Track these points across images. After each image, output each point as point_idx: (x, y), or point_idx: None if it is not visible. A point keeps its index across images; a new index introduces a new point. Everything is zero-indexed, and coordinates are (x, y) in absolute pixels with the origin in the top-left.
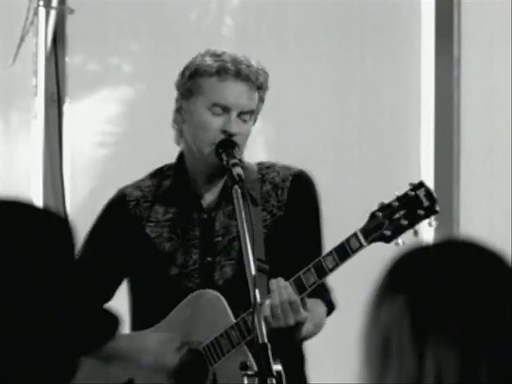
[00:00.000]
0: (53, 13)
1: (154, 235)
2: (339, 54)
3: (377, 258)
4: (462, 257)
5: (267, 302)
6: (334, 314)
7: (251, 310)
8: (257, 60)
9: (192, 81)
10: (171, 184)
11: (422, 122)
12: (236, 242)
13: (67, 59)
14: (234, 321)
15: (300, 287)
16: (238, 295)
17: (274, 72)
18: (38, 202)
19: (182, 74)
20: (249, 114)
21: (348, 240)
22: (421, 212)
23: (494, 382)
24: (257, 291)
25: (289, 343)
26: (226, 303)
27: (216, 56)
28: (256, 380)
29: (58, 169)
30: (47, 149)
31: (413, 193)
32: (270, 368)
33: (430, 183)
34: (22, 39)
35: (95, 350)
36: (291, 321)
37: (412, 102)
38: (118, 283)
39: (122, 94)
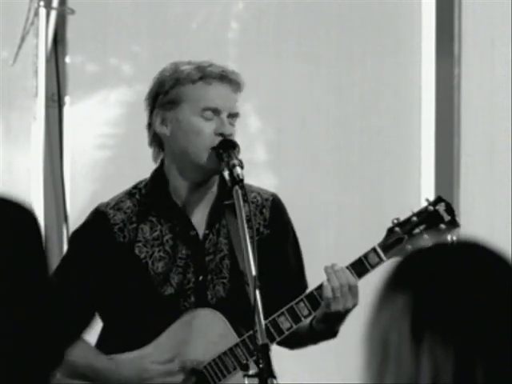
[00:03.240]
0: (53, 13)
1: (143, 255)
2: (339, 55)
3: None
4: (464, 257)
5: (326, 283)
6: None
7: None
8: (259, 61)
9: (174, 91)
10: (154, 201)
11: (422, 123)
12: (226, 260)
13: (67, 60)
14: (235, 335)
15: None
16: (230, 314)
17: (274, 72)
18: (39, 203)
19: (159, 87)
20: (235, 117)
21: (366, 255)
22: (442, 226)
23: (490, 382)
24: (257, 291)
25: (334, 327)
26: (225, 320)
27: (189, 64)
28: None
29: (58, 170)
30: (47, 150)
31: (432, 208)
32: (270, 369)
33: (431, 183)
34: (22, 40)
35: (73, 341)
36: (350, 304)
37: (412, 103)
38: (96, 306)
39: (122, 95)
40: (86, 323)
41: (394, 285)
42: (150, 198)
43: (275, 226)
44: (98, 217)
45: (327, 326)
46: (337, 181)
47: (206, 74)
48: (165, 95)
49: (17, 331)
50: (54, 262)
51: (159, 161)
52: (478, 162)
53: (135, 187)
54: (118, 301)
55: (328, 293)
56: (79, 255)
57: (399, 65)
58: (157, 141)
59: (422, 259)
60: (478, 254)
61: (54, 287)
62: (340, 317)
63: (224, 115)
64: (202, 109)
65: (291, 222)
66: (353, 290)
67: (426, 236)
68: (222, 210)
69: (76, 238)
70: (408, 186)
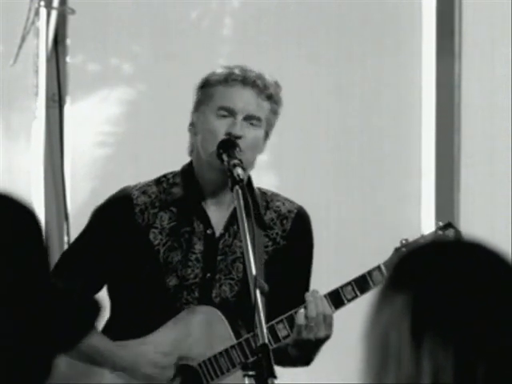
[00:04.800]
0: (54, 13)
1: (156, 242)
2: (339, 55)
3: (378, 258)
4: (464, 257)
5: (302, 310)
6: (337, 314)
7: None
8: (259, 61)
9: (201, 92)
10: (179, 192)
11: (422, 123)
12: (238, 262)
13: (68, 59)
14: (233, 335)
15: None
16: (233, 315)
17: (274, 72)
18: (39, 201)
19: (196, 89)
20: (256, 120)
21: (370, 272)
22: None
23: (490, 383)
24: (257, 291)
25: (307, 355)
26: (224, 320)
27: (226, 67)
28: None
29: (58, 169)
30: (48, 149)
31: (441, 232)
32: (270, 368)
33: (431, 183)
34: (22, 39)
35: (73, 346)
36: (322, 334)
37: (413, 103)
38: (105, 282)
39: (123, 94)
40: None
41: (393, 285)
42: (176, 189)
43: (293, 239)
44: (122, 196)
45: (300, 353)
46: (337, 181)
47: (229, 77)
48: (195, 96)
49: (17, 331)
50: (55, 259)
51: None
52: (477, 162)
53: (164, 176)
54: (125, 283)
55: (300, 320)
56: (98, 232)
57: (399, 65)
58: (191, 139)
59: (421, 259)
60: (477, 254)
61: (55, 286)
62: (311, 345)
63: (239, 117)
64: (217, 107)
65: (312, 237)
66: (327, 320)
67: None
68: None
69: (97, 215)
70: (408, 185)
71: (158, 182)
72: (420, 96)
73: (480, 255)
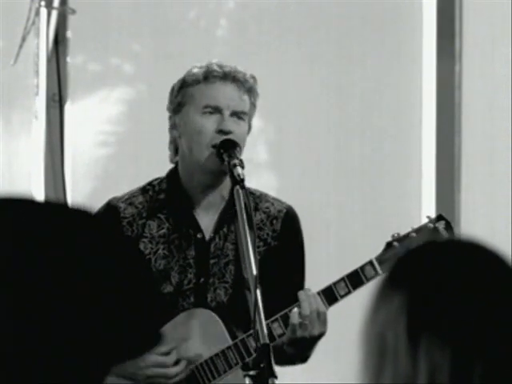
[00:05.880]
0: (54, 13)
1: (147, 251)
2: (340, 55)
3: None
4: (461, 257)
5: (295, 309)
6: (335, 314)
7: (251, 332)
8: (258, 61)
9: (181, 93)
10: (165, 198)
11: (423, 123)
12: (231, 265)
13: (68, 59)
14: (229, 337)
15: None
16: (230, 318)
17: (274, 72)
18: None
19: (171, 91)
20: (241, 115)
21: (362, 268)
22: None
23: (487, 383)
24: (258, 291)
25: (303, 352)
26: (220, 322)
27: (201, 66)
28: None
29: (59, 169)
30: (48, 149)
31: (432, 225)
32: (271, 369)
33: (432, 183)
34: (23, 39)
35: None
36: (316, 331)
37: (413, 103)
38: None
39: (123, 94)
40: None
41: (390, 284)
42: (163, 195)
43: (284, 238)
44: (109, 210)
45: (295, 351)
46: (337, 180)
47: (209, 74)
48: (175, 98)
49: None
50: None
51: (175, 163)
52: (478, 162)
53: (150, 184)
54: None
55: (295, 319)
56: None
57: (400, 64)
58: (173, 144)
59: (419, 259)
60: (476, 253)
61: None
62: (306, 343)
63: (226, 113)
64: (202, 106)
65: (302, 236)
66: (321, 317)
67: None
68: (231, 216)
69: None
70: (409, 185)
71: (143, 190)
72: (420, 96)
73: (478, 255)
